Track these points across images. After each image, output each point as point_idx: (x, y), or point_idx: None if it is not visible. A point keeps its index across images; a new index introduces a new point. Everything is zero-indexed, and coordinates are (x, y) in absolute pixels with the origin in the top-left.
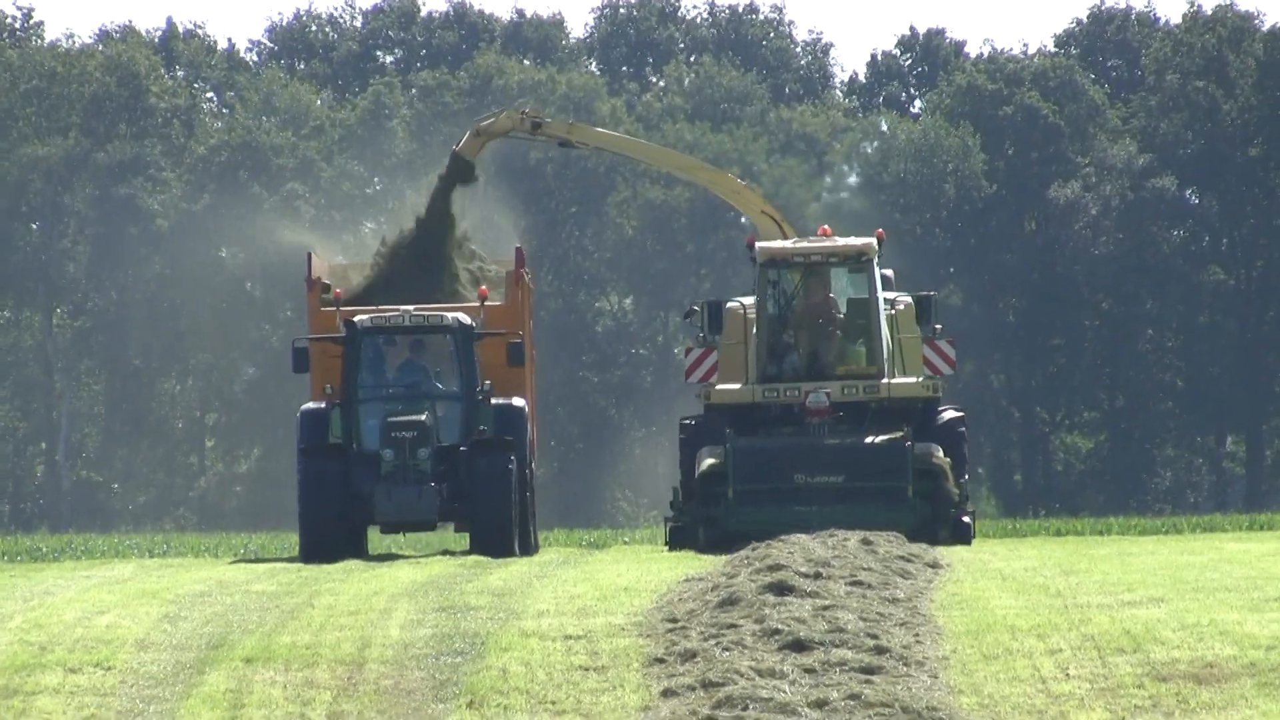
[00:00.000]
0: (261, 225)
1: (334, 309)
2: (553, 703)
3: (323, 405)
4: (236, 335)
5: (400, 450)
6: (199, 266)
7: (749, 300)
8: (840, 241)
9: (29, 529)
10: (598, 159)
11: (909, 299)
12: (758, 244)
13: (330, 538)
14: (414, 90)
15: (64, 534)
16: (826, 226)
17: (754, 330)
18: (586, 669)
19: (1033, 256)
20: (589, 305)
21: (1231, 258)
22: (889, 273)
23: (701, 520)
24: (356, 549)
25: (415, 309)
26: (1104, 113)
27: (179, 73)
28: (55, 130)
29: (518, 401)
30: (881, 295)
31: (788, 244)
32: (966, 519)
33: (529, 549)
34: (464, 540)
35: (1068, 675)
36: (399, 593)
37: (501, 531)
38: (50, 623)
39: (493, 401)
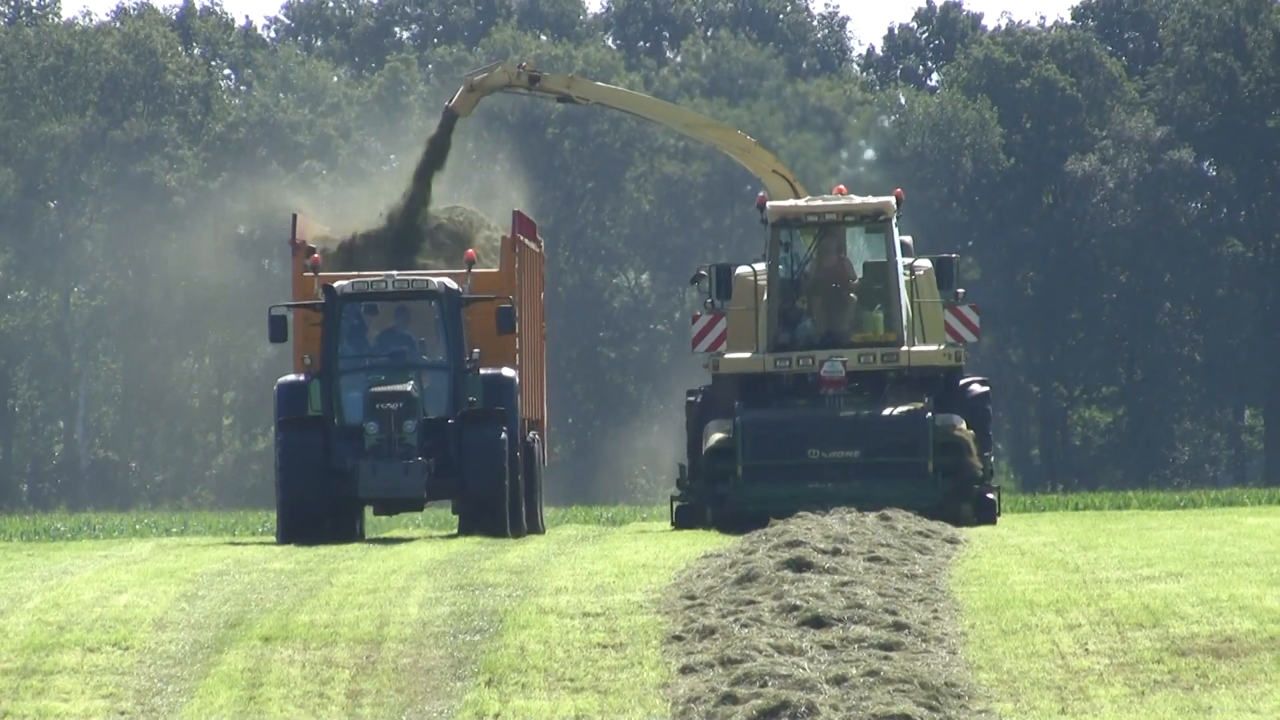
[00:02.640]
0: (278, 201)
1: (314, 275)
2: (571, 680)
3: (301, 377)
4: (254, 312)
5: (385, 423)
6: (216, 244)
7: (760, 266)
8: (856, 200)
9: (47, 508)
10: (614, 134)
11: (928, 263)
12: (769, 203)
13: (311, 516)
14: (431, 66)
15: (82, 513)
16: (842, 186)
17: (765, 295)
18: (605, 646)
19: (1050, 230)
20: (606, 281)
21: (1250, 230)
22: (908, 239)
23: (709, 499)
24: (343, 531)
25: (399, 274)
26: (1121, 85)
27: (196, 50)
28: (72, 108)
29: (507, 372)
30: (900, 258)
31: (801, 203)
32: (991, 495)
33: (522, 528)
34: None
35: (1087, 650)
36: (417, 570)
37: (493, 508)
38: (68, 602)
39: (482, 371)
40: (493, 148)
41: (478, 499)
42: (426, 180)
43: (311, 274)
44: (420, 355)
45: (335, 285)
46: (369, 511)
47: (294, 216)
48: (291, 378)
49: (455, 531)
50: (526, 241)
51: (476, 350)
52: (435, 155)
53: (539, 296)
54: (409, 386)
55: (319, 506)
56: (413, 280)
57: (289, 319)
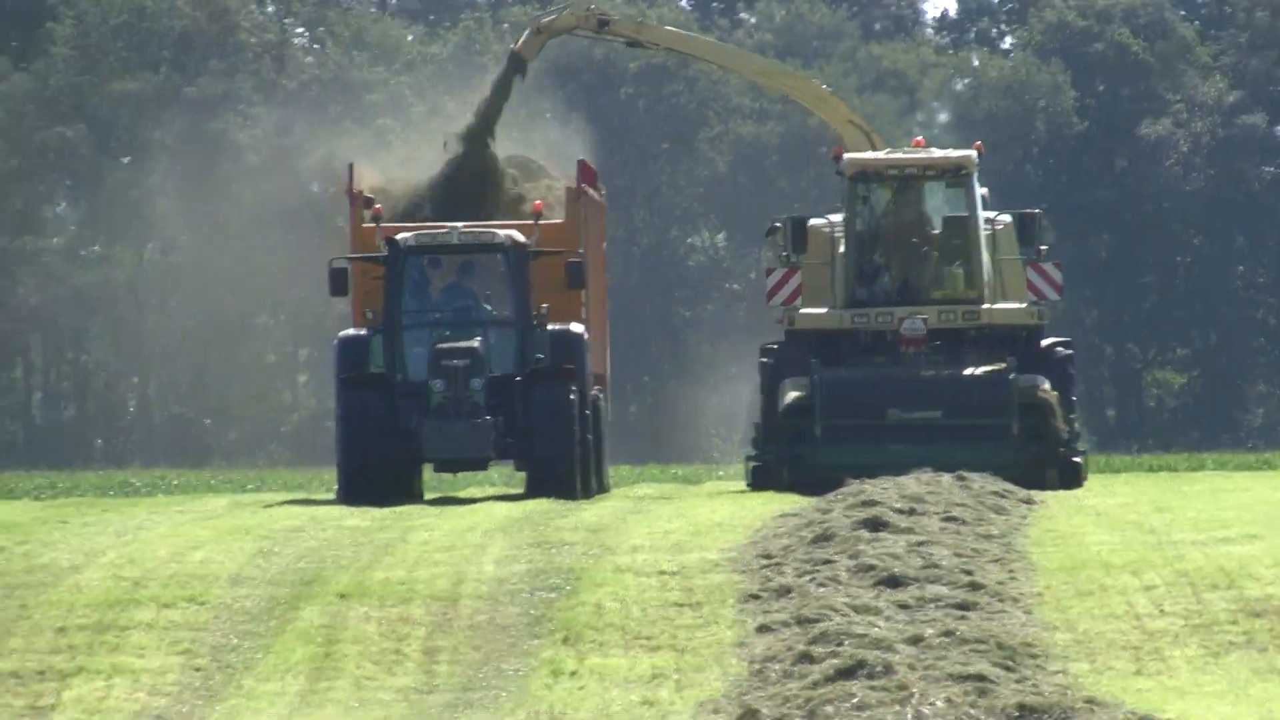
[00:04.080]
0: (350, 159)
1: (375, 226)
2: (647, 638)
3: (363, 332)
4: (326, 269)
5: (451, 380)
6: (289, 201)
7: (836, 218)
8: (936, 153)
9: (121, 464)
10: (689, 94)
11: (1009, 218)
12: (846, 155)
13: (373, 477)
14: (505, 25)
15: (156, 469)
16: (920, 138)
17: (841, 250)
18: (681, 605)
19: (1124, 193)
20: (681, 241)
21: None
22: (985, 191)
23: (786, 459)
24: (402, 490)
25: (464, 226)
26: (1194, 49)
27: (269, 8)
28: (145, 65)
29: (575, 327)
30: (981, 213)
31: (880, 155)
32: (1077, 459)
33: (591, 488)
34: (520, 481)
35: (1162, 611)
36: (493, 528)
37: (564, 469)
38: (143, 558)
39: (549, 328)
40: (566, 108)
41: (546, 460)
42: (488, 127)
43: (372, 225)
44: (486, 310)
45: (399, 237)
46: (427, 469)
47: (349, 166)
48: (352, 332)
49: (521, 491)
50: (590, 191)
51: (544, 305)
52: (498, 100)
53: (601, 247)
54: (475, 343)
55: (381, 466)
56: (479, 233)
57: (349, 272)
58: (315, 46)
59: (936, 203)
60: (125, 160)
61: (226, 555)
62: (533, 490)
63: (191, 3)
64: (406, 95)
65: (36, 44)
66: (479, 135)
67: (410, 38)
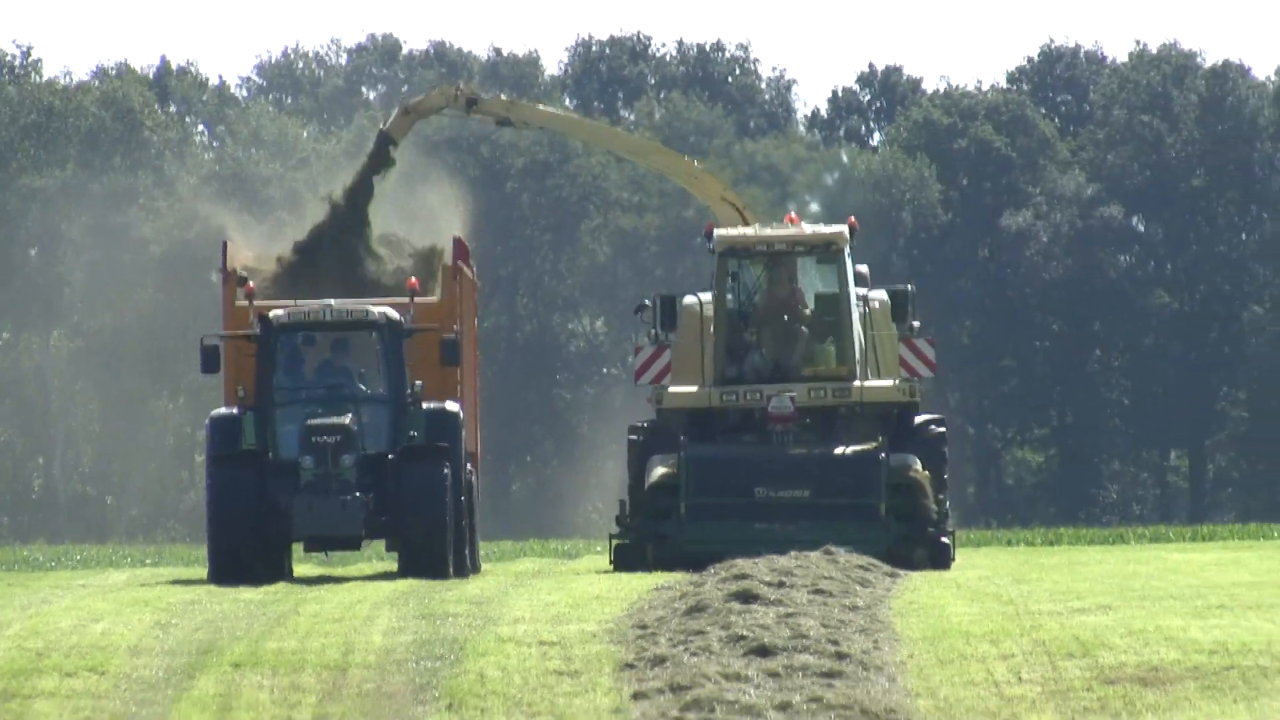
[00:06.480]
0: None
1: (249, 304)
2: (528, 705)
3: (234, 410)
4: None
5: (322, 458)
6: (189, 290)
7: (706, 296)
8: (808, 229)
9: (26, 540)
10: (570, 188)
11: (884, 294)
12: (716, 231)
13: (243, 555)
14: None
15: (60, 545)
16: (793, 214)
17: (711, 327)
18: (561, 673)
19: (986, 281)
20: (562, 327)
21: (1175, 282)
22: (863, 269)
23: (650, 538)
24: (275, 571)
25: (338, 303)
26: (1054, 145)
27: (172, 108)
28: (53, 162)
29: (451, 405)
30: (854, 289)
31: (750, 231)
32: (946, 539)
33: (465, 570)
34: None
35: (1020, 679)
36: (381, 600)
37: (435, 549)
38: (47, 630)
39: (424, 405)
40: (454, 200)
41: (418, 539)
42: (358, 204)
43: (245, 303)
44: (359, 388)
45: (271, 314)
46: (298, 549)
47: (224, 244)
48: (224, 411)
49: (393, 571)
50: (464, 268)
51: (419, 383)
52: (366, 175)
53: (474, 324)
54: (347, 419)
55: (251, 545)
56: (352, 310)
57: (220, 349)
58: (214, 144)
59: (810, 279)
60: (33, 251)
61: (126, 627)
62: (405, 570)
63: (98, 103)
64: (301, 190)
65: None
66: (351, 216)
67: (305, 135)
